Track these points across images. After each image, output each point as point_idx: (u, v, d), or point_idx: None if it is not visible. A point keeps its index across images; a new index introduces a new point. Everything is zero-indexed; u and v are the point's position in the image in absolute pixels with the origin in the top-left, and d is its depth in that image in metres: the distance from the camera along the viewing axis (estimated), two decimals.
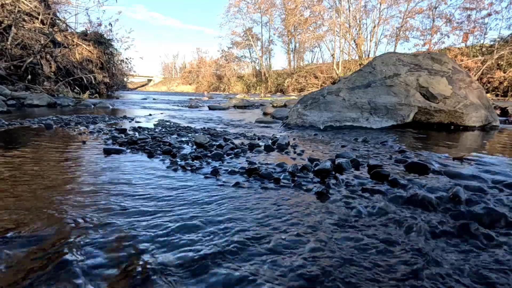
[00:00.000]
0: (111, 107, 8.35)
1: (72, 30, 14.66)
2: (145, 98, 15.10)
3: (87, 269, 0.83)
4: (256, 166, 1.90)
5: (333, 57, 31.35)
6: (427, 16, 28.12)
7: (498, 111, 6.18)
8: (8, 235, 1.01)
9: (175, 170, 1.89)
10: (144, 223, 1.12)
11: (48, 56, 11.44)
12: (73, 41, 13.68)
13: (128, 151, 2.44)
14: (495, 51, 20.89)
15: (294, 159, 2.28)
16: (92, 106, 8.16)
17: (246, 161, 2.14)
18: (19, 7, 10.83)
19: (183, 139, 2.99)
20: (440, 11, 27.15)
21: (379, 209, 1.28)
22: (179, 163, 2.04)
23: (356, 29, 31.89)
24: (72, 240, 0.98)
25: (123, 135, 3.09)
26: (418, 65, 4.82)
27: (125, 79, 25.31)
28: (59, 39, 12.47)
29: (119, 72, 19.67)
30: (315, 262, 0.89)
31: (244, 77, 42.81)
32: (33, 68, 10.62)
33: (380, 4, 29.86)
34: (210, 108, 9.00)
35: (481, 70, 19.88)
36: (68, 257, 0.88)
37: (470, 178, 1.70)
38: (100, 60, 15.23)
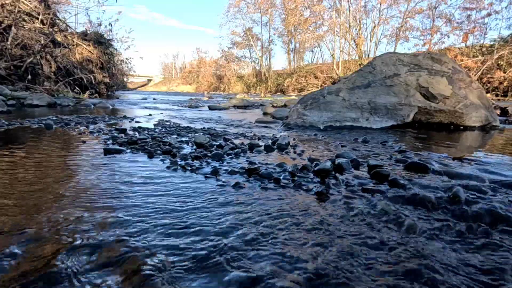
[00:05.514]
0: (111, 107, 8.35)
1: (72, 30, 14.66)
2: (145, 98, 15.11)
3: (82, 269, 0.83)
4: (256, 166, 1.90)
5: (333, 57, 31.39)
6: (427, 16, 28.20)
7: (498, 111, 6.18)
8: (7, 234, 1.01)
9: (175, 170, 1.89)
10: (144, 223, 1.12)
11: (48, 56, 11.44)
12: (73, 41, 13.67)
13: (128, 151, 2.44)
14: (495, 51, 20.92)
15: (294, 159, 2.28)
16: (92, 106, 8.16)
17: (246, 161, 2.14)
18: (19, 7, 10.84)
19: (183, 139, 2.99)
20: (440, 11, 27.22)
21: (379, 209, 1.28)
22: (179, 163, 2.03)
23: (356, 29, 31.93)
24: (69, 239, 0.98)
25: (123, 135, 3.08)
26: (418, 65, 4.82)
27: (125, 79, 25.34)
28: (59, 39, 12.48)
29: (119, 72, 19.66)
30: (314, 261, 0.89)
31: (244, 77, 42.82)
32: (33, 68, 10.62)
33: (380, 4, 29.91)
34: (210, 108, 9.00)
35: (481, 70, 19.90)
36: (65, 256, 0.88)
37: (470, 178, 1.70)
38: (100, 60, 15.21)
